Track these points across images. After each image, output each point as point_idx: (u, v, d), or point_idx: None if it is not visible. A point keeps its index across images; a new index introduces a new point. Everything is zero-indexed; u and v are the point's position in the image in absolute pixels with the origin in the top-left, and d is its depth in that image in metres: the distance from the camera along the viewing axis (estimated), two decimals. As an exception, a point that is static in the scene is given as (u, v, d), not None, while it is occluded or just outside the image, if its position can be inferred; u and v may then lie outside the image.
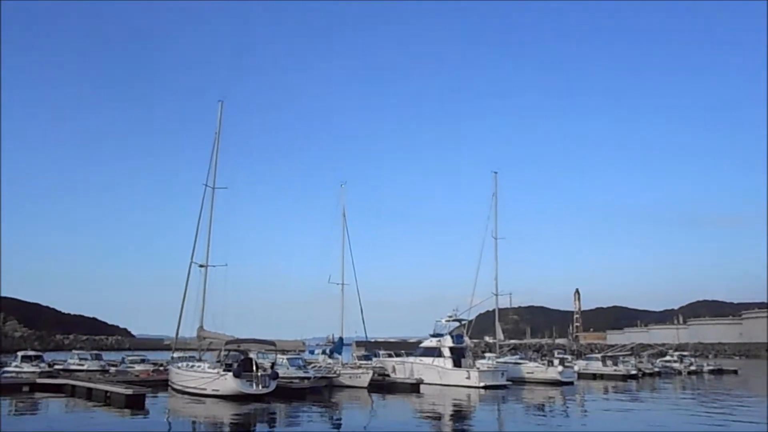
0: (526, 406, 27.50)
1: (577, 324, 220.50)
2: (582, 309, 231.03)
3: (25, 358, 34.99)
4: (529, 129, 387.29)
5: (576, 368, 46.26)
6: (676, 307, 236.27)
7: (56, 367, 36.74)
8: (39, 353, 38.65)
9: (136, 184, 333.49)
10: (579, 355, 76.54)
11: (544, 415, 24.46)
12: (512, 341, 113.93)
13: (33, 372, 31.74)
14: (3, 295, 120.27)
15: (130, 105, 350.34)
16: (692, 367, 60.09)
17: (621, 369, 48.75)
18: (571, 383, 40.36)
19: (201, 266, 32.97)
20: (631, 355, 62.48)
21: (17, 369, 33.00)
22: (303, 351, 46.79)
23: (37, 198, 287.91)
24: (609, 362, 50.60)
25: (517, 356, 49.63)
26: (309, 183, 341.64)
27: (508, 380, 37.56)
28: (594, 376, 47.41)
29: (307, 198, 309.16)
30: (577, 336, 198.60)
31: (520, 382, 39.83)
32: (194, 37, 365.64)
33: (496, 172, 49.44)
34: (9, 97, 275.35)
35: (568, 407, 27.77)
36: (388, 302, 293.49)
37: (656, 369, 55.11)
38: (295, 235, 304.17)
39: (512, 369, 41.21)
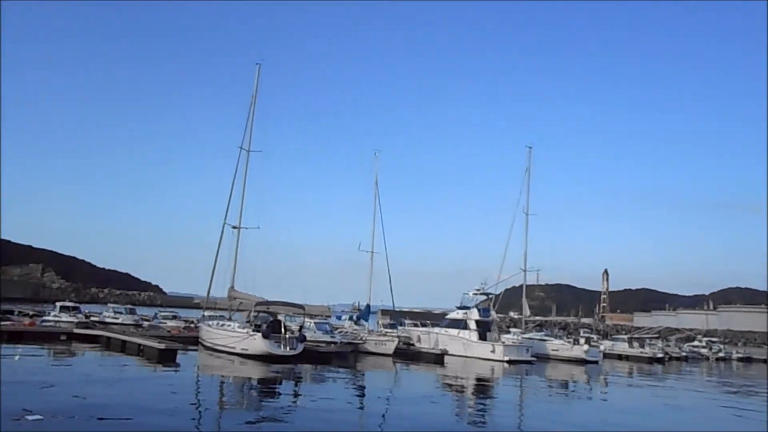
0: (549, 384, 27.50)
1: (604, 304, 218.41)
2: (610, 290, 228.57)
3: (63, 309, 36.34)
4: (567, 108, 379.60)
5: (602, 348, 45.99)
6: (707, 293, 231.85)
7: (92, 318, 37.99)
8: (76, 305, 40.00)
9: (173, 144, 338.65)
10: (605, 335, 76.00)
11: (566, 395, 24.42)
12: (538, 318, 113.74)
13: (71, 322, 32.90)
14: (41, 246, 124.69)
15: (167, 65, 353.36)
16: (720, 354, 59.29)
17: (647, 351, 48.35)
18: (596, 362, 40.14)
19: (234, 228, 33.45)
20: (658, 338, 61.81)
21: (56, 318, 34.30)
22: (329, 316, 47.50)
23: (73, 154, 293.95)
24: (635, 344, 50.18)
25: (543, 333, 49.47)
26: (343, 149, 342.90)
27: (532, 356, 37.61)
28: (620, 357, 47.12)
29: (340, 164, 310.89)
30: (603, 316, 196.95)
31: (544, 358, 39.82)
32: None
33: (530, 147, 48.05)
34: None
35: (591, 388, 27.67)
36: (416, 272, 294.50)
37: (683, 354, 54.55)
38: (328, 200, 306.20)
39: (537, 345, 41.17)
